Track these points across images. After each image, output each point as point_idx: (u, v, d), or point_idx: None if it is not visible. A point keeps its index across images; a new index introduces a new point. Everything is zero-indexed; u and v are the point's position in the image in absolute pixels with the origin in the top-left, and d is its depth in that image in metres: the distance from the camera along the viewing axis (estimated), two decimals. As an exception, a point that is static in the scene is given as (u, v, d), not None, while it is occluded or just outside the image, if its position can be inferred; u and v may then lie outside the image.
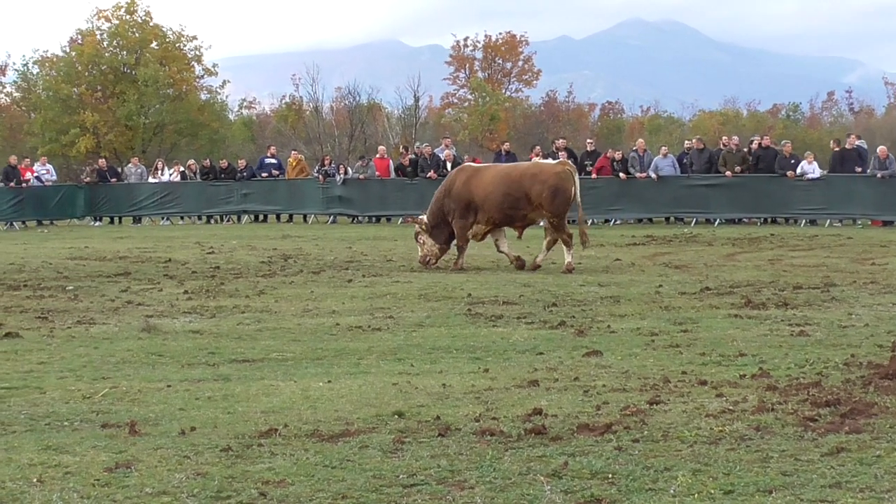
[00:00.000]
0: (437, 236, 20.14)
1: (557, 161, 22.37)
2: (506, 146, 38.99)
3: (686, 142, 38.89)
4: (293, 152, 43.09)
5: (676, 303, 14.44)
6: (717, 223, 32.96)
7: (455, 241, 20.23)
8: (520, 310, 14.03)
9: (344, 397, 8.77)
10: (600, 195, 34.35)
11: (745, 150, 34.48)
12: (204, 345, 11.55)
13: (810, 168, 32.49)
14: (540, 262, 19.67)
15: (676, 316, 13.20)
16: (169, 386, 9.29)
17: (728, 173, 33.16)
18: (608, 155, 36.02)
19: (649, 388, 8.88)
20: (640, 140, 40.06)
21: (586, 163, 35.86)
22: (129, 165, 44.31)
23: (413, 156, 37.73)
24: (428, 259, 20.11)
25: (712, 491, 6.16)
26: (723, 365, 9.91)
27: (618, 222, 34.61)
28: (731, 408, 8.11)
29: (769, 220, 33.21)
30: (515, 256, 19.99)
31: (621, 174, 34.37)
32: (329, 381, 9.41)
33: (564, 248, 19.53)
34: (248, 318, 13.60)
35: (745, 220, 33.41)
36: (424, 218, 20.22)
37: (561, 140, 39.02)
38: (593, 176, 34.83)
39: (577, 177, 19.99)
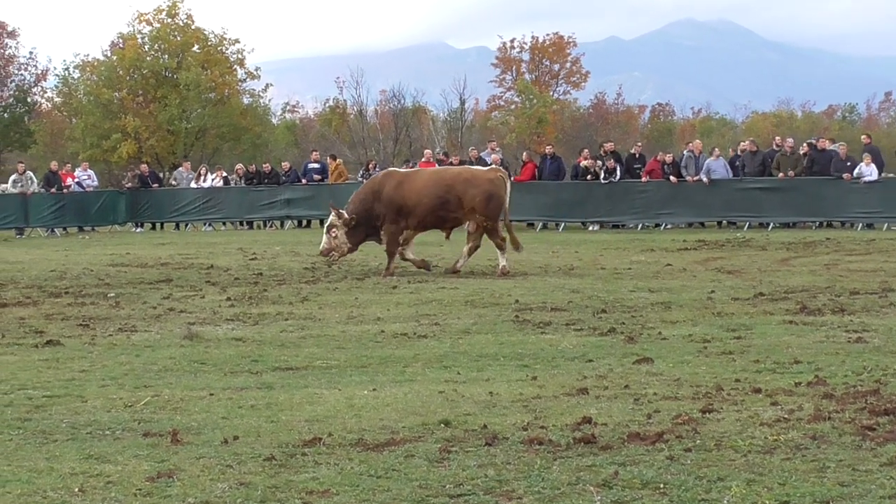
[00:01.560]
0: (352, 237, 20.42)
1: (489, 167, 22.76)
2: (548, 149, 38.80)
3: (741, 143, 38.67)
4: (328, 157, 43.02)
5: (729, 309, 14.36)
6: (770, 227, 32.79)
7: (387, 244, 20.55)
8: (568, 316, 13.99)
9: (389, 406, 8.76)
10: (650, 199, 34.33)
11: (801, 152, 34.27)
12: (247, 352, 11.58)
13: (868, 170, 32.22)
14: (459, 267, 20.19)
15: (729, 322, 13.13)
16: (211, 394, 9.31)
17: (781, 175, 32.97)
18: (658, 158, 35.92)
19: (702, 397, 8.83)
20: (697, 141, 39.85)
21: (635, 166, 35.79)
22: (180, 169, 44.52)
23: (449, 160, 37.76)
24: (332, 253, 20.47)
25: (767, 502, 6.11)
26: (777, 372, 9.85)
27: (668, 226, 34.51)
28: (786, 416, 8.05)
29: (825, 223, 33.02)
30: (421, 260, 20.60)
31: (672, 177, 34.22)
32: (374, 390, 9.41)
33: (498, 252, 20.13)
34: (292, 326, 13.63)
35: (800, 223, 33.21)
36: (346, 214, 20.35)
37: (609, 143, 38.87)
38: (643, 179, 34.77)
39: (509, 184, 20.63)
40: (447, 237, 21.43)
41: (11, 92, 69.97)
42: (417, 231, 20.60)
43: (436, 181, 20.43)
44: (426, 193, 20.14)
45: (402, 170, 23.32)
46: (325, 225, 20.76)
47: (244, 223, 40.87)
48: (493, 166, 24.66)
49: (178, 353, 11.54)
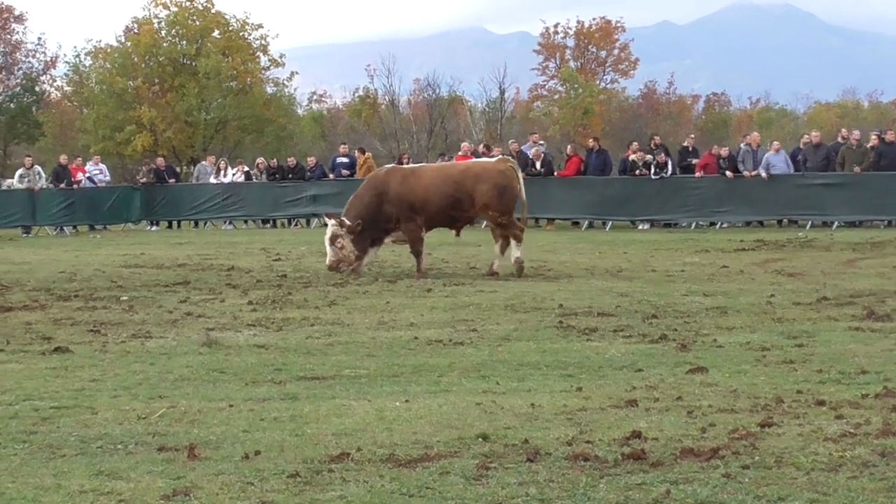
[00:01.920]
0: (358, 244, 20.29)
1: (498, 158, 22.78)
2: (591, 142, 38.62)
3: (805, 136, 38.48)
4: (357, 150, 42.97)
5: (790, 314, 14.31)
6: (835, 226, 32.63)
7: (404, 246, 20.84)
8: (616, 322, 13.96)
9: (423, 418, 8.75)
10: (704, 195, 34.19)
11: (868, 145, 34.08)
12: (270, 360, 11.60)
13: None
14: (496, 269, 20.12)
15: (790, 329, 13.08)
16: (231, 405, 9.32)
17: (855, 169, 32.72)
18: (713, 151, 35.79)
19: (760, 409, 8.79)
20: (755, 133, 39.68)
21: (688, 160, 35.69)
22: (203, 164, 44.61)
23: (491, 153, 37.75)
24: (340, 265, 20.27)
25: (832, 524, 6.08)
26: (842, 383, 9.80)
27: (724, 225, 34.41)
28: (852, 431, 8.00)
29: (894, 222, 32.82)
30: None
31: (728, 172, 34.10)
32: (406, 401, 9.40)
33: (514, 242, 20.06)
34: (318, 332, 13.64)
35: (866, 222, 33.03)
36: (347, 220, 20.21)
37: (655, 136, 38.79)
38: (697, 174, 34.65)
39: (520, 174, 20.65)
40: (457, 234, 21.44)
41: (18, 80, 70.56)
42: (427, 230, 20.58)
43: (443, 178, 20.43)
44: (434, 191, 20.15)
45: (403, 166, 23.46)
46: (328, 236, 20.54)
47: (267, 221, 40.94)
48: (501, 157, 24.66)
49: (196, 361, 11.56)
